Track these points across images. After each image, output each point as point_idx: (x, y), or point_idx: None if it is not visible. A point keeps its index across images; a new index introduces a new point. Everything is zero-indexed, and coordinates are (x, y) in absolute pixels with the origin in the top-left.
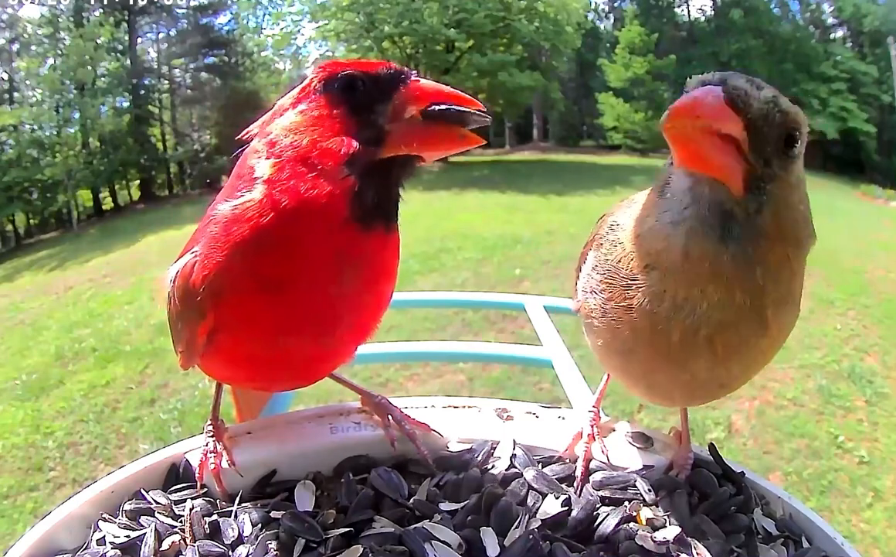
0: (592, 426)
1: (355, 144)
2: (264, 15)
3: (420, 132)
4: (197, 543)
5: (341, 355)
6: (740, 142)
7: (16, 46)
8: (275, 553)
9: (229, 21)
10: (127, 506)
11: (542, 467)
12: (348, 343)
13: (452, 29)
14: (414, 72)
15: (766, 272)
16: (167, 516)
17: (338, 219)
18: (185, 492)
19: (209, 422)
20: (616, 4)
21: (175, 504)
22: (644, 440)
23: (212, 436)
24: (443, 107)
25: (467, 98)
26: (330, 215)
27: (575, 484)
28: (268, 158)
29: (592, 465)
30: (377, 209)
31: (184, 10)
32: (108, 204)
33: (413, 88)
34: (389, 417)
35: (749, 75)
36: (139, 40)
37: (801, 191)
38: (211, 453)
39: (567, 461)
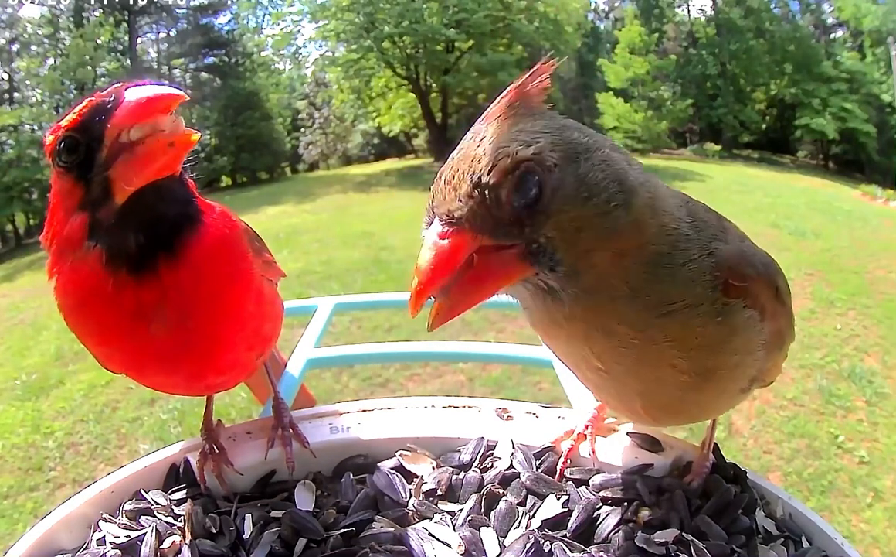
0: (587, 426)
1: (85, 216)
2: (264, 15)
3: (134, 162)
4: (197, 542)
5: (208, 377)
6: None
7: (16, 46)
8: (275, 552)
9: (229, 21)
10: (127, 506)
11: (539, 463)
12: (204, 368)
13: (452, 29)
14: (124, 86)
15: (598, 288)
16: (167, 516)
17: (105, 292)
18: (185, 492)
19: (205, 423)
20: (616, 4)
21: (175, 504)
22: (645, 441)
23: (208, 437)
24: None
25: (162, 96)
26: (98, 296)
27: (555, 477)
28: (49, 245)
29: (594, 466)
30: (147, 248)
31: (184, 10)
32: None
33: (118, 116)
34: (280, 424)
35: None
36: (139, 40)
37: (581, 199)
38: (209, 453)
39: (555, 454)
